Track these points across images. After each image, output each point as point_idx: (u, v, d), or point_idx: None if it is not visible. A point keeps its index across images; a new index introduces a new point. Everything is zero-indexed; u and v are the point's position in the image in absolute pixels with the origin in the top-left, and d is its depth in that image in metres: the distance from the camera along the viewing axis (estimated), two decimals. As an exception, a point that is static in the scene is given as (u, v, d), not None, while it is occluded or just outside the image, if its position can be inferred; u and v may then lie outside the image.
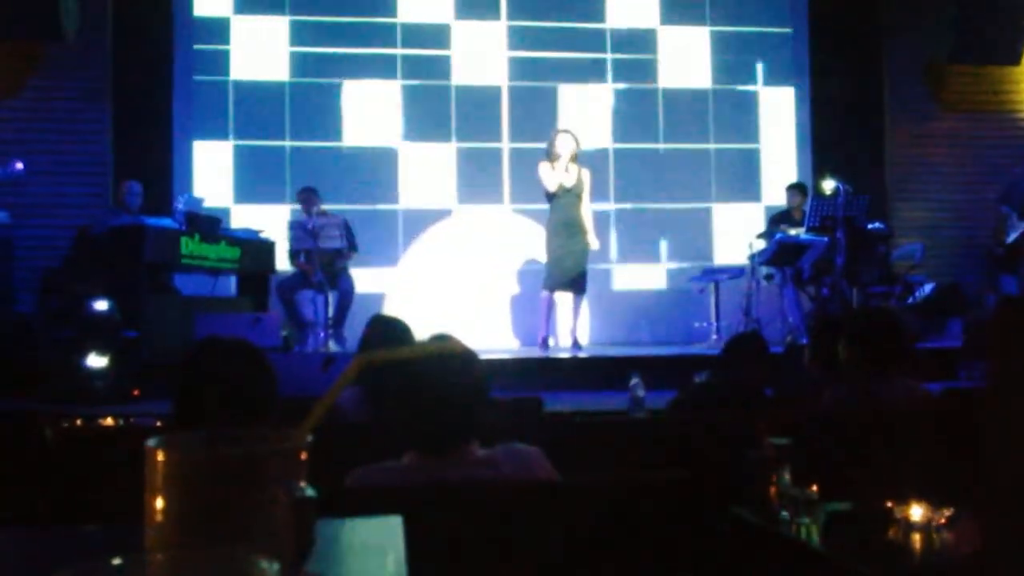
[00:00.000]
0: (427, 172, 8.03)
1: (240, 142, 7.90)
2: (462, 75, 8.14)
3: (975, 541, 1.52)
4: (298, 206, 6.91)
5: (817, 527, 1.70)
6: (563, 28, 8.24)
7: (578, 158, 6.44)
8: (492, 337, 7.57)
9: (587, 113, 8.20)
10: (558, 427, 2.93)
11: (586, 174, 6.50)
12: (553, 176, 6.35)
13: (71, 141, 7.33)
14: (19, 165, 6.36)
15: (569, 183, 6.35)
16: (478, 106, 8.12)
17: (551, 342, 6.70)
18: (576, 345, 6.65)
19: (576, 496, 1.67)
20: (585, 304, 7.38)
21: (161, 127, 7.62)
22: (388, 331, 2.90)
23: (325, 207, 6.86)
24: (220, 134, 7.86)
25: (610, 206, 8.17)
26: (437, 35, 8.14)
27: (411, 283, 7.84)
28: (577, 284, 6.49)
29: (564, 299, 6.63)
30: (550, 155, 6.41)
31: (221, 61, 7.89)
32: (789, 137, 8.49)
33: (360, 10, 8.06)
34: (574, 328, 6.68)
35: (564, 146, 6.34)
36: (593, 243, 6.55)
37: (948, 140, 8.32)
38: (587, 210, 6.50)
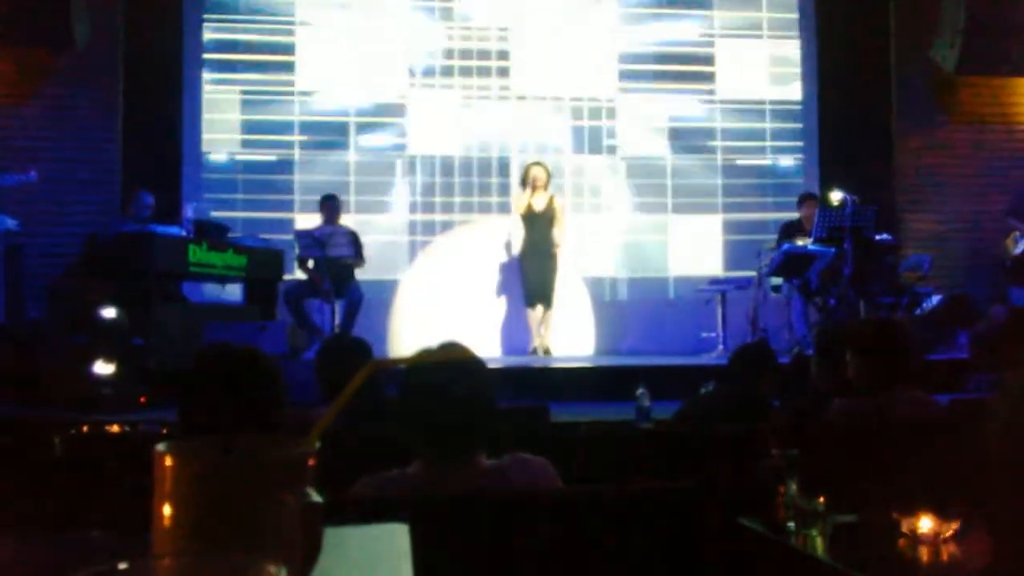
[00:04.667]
0: (431, 179, 8.07)
1: (249, 152, 7.94)
2: (470, 91, 8.18)
3: (983, 554, 1.51)
4: (307, 214, 6.94)
5: (824, 538, 1.69)
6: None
7: (548, 186, 7.15)
8: (494, 346, 7.60)
9: (595, 123, 8.24)
10: (564, 437, 2.93)
11: (558, 201, 7.21)
12: (521, 201, 7.12)
13: (81, 149, 7.37)
14: (32, 173, 6.40)
15: (539, 208, 7.06)
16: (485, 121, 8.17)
17: (540, 352, 7.08)
18: (545, 352, 7.08)
19: (582, 506, 1.67)
20: (591, 313, 7.65)
21: (171, 136, 7.66)
22: (344, 353, 2.87)
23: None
24: (229, 142, 7.91)
25: (619, 216, 8.20)
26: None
27: (418, 292, 7.86)
28: (547, 299, 7.07)
29: (542, 311, 7.13)
30: (523, 183, 7.16)
31: (231, 70, 7.94)
32: (797, 148, 8.49)
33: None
34: (545, 336, 7.12)
35: (535, 175, 7.07)
36: (560, 242, 7.17)
37: (956, 151, 8.30)
38: (559, 233, 7.15)
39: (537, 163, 7.25)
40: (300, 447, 0.64)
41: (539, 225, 7.06)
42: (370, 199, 7.94)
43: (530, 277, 7.09)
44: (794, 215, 7.45)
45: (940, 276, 7.68)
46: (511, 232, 7.50)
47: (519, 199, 7.18)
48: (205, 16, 7.93)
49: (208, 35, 7.93)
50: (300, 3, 8.05)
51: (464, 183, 8.10)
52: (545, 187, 7.10)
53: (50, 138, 7.30)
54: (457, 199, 8.09)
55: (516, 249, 7.29)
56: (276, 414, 1.71)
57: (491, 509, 1.59)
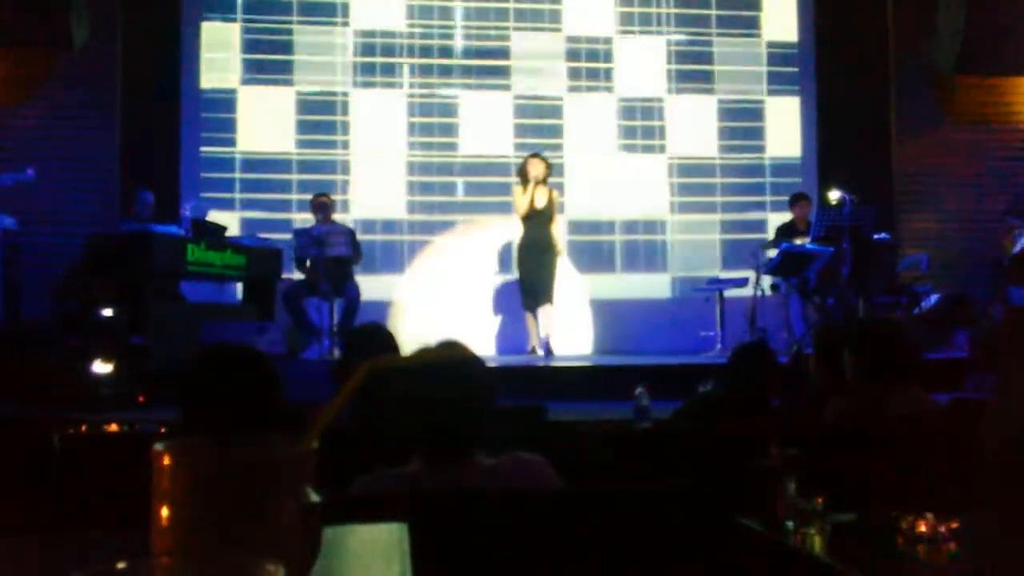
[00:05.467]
0: (432, 180, 8.08)
1: (247, 152, 7.93)
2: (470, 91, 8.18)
3: (981, 553, 1.51)
4: (306, 213, 6.95)
5: (822, 538, 1.70)
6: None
7: (547, 181, 6.92)
8: (492, 345, 7.61)
9: (595, 123, 8.24)
10: (563, 436, 2.93)
11: (556, 196, 7.02)
12: (524, 199, 6.85)
13: (81, 149, 7.36)
14: (30, 172, 6.40)
15: (539, 205, 6.84)
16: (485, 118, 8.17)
17: (538, 352, 6.95)
18: (548, 353, 6.89)
19: (580, 506, 1.67)
20: (589, 313, 7.60)
21: (169, 135, 7.66)
22: (372, 340, 2.87)
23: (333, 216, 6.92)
24: (227, 141, 7.91)
25: (617, 215, 8.21)
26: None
27: (417, 291, 7.86)
28: (547, 298, 6.89)
29: (543, 310, 6.94)
30: (522, 179, 6.88)
31: (229, 69, 7.94)
32: (795, 147, 8.50)
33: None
34: (547, 337, 6.93)
35: (534, 170, 6.81)
36: (559, 251, 7.04)
37: (955, 150, 8.31)
38: (556, 229, 7.00)
39: (535, 155, 7.00)
40: (299, 446, 0.64)
41: (539, 222, 6.86)
42: (370, 198, 7.93)
43: (529, 276, 6.90)
44: (788, 216, 7.47)
45: (939, 275, 7.69)
46: (514, 236, 7.42)
47: (521, 200, 6.87)
48: (204, 15, 7.92)
49: (207, 34, 7.92)
50: (299, 2, 8.05)
51: (464, 183, 8.10)
52: (544, 181, 6.87)
53: (49, 138, 7.30)
54: (457, 199, 8.09)
55: (515, 248, 7.16)
56: (274, 413, 1.71)
57: (490, 508, 1.59)
